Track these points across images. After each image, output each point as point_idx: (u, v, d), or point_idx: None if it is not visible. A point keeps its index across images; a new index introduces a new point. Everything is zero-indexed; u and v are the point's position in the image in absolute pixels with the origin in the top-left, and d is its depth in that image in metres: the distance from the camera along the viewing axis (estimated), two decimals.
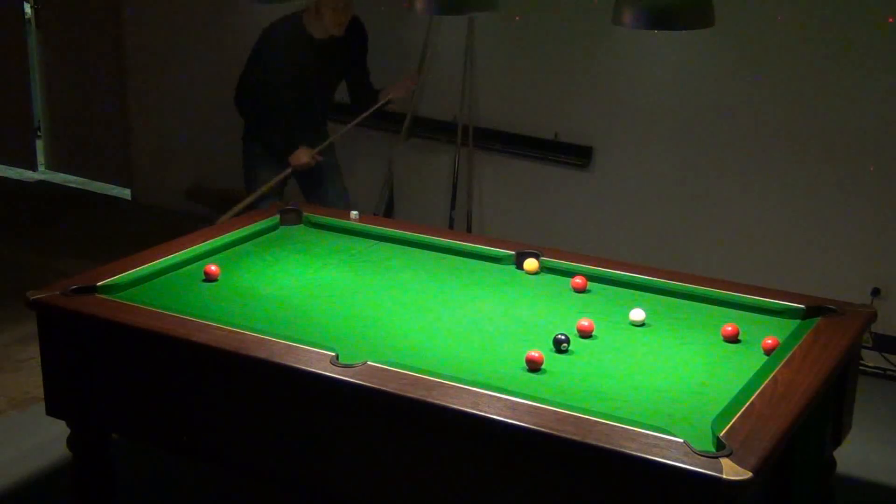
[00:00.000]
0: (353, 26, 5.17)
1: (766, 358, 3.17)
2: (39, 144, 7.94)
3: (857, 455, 4.00)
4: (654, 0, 3.36)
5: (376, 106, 5.34)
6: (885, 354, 5.00)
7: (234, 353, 3.09)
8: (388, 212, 6.09)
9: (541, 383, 3.01)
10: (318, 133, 5.38)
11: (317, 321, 3.42)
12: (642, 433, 2.65)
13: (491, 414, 2.75)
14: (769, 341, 3.24)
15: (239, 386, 3.17)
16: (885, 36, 4.81)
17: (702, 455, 2.55)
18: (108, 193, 7.54)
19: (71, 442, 3.55)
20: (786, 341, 3.25)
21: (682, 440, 2.61)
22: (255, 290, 3.67)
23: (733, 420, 2.72)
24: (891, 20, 4.80)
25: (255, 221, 4.23)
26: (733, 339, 3.33)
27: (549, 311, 3.56)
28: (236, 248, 4.03)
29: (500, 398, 2.82)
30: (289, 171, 5.21)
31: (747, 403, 2.81)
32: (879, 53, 4.83)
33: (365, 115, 5.36)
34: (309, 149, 5.19)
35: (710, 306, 3.59)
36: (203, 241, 3.97)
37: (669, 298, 3.65)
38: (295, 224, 4.31)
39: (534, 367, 3.09)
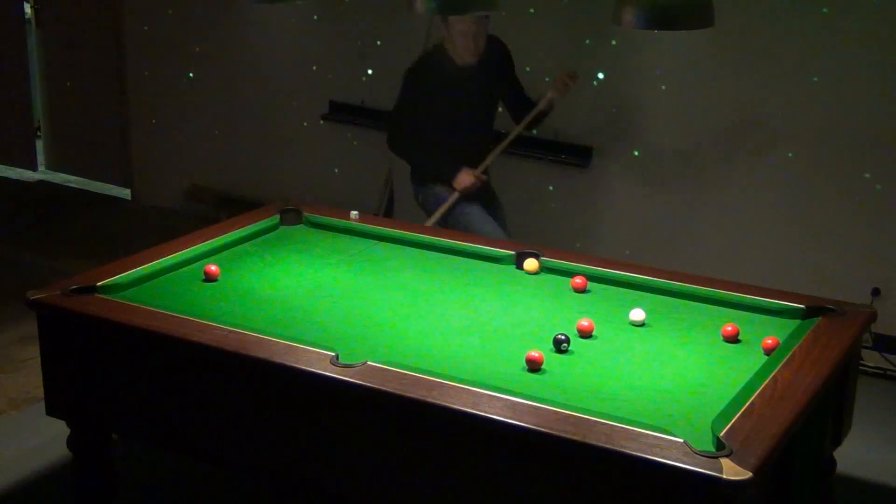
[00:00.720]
0: (492, 45, 4.99)
1: (766, 358, 3.17)
2: (39, 144, 7.94)
3: (857, 455, 4.00)
4: (654, 0, 3.36)
5: (534, 111, 5.04)
6: (885, 354, 5.00)
7: (234, 353, 3.09)
8: (388, 212, 6.09)
9: (541, 383, 3.01)
10: (484, 155, 5.13)
11: (317, 321, 3.42)
12: (642, 433, 2.65)
13: (491, 414, 2.75)
14: (769, 341, 3.24)
15: (239, 386, 3.17)
16: (886, 36, 4.81)
17: (702, 455, 2.55)
18: (108, 193, 7.54)
19: (71, 442, 3.55)
20: (786, 341, 3.25)
21: (682, 440, 2.61)
22: (255, 290, 3.67)
23: (733, 420, 2.72)
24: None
25: (255, 221, 4.23)
26: (733, 339, 3.33)
27: (549, 311, 3.56)
28: (236, 248, 4.03)
29: (500, 398, 2.82)
30: (455, 195, 4.97)
31: (747, 403, 2.81)
32: (879, 53, 4.83)
33: (523, 123, 5.09)
34: (471, 169, 4.98)
35: (710, 306, 3.59)
36: (203, 241, 3.97)
37: (669, 298, 3.65)
38: (295, 224, 4.30)
39: (534, 367, 3.09)
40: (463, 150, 5.02)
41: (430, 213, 5.08)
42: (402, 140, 5.08)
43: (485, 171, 5.03)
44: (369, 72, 6.18)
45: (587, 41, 5.46)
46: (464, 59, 4.88)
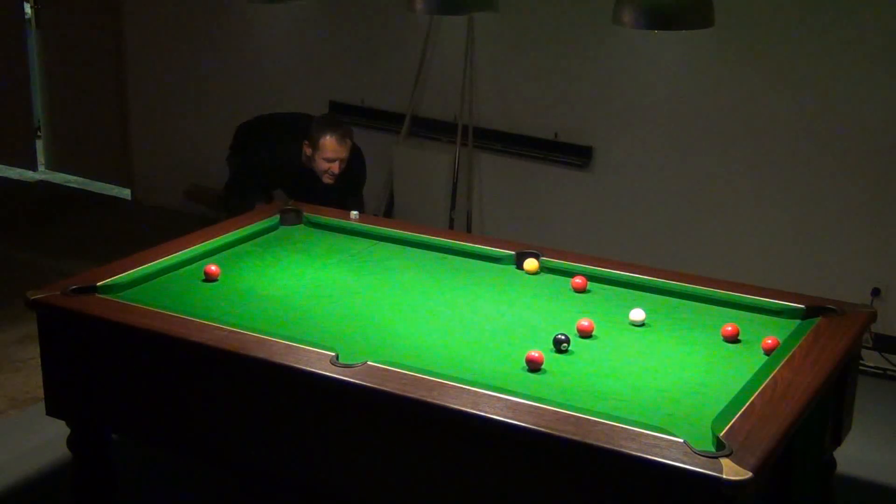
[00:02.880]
0: (352, 162, 5.03)
1: (766, 358, 3.17)
2: (39, 144, 7.94)
3: (857, 455, 4.00)
4: (654, 0, 3.36)
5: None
6: (885, 354, 5.00)
7: (234, 353, 3.09)
8: (388, 212, 6.09)
9: (541, 383, 3.01)
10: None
11: (317, 321, 3.42)
12: (642, 433, 2.65)
13: (491, 414, 2.75)
14: (769, 341, 3.25)
15: (239, 386, 3.17)
16: (885, 36, 4.81)
17: (702, 455, 2.55)
18: (108, 193, 7.54)
19: (71, 442, 3.55)
20: (786, 341, 3.25)
21: (682, 440, 2.61)
22: (255, 290, 3.67)
23: (733, 420, 2.72)
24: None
25: (255, 221, 4.23)
26: (733, 339, 3.33)
27: (549, 311, 3.56)
28: (236, 248, 4.03)
29: (500, 398, 2.82)
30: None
31: (747, 403, 2.81)
32: (879, 53, 4.83)
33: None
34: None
35: (710, 306, 3.59)
36: (203, 241, 3.97)
37: (669, 298, 3.65)
38: (295, 224, 4.31)
39: (534, 367, 3.09)
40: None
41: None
42: (233, 197, 5.12)
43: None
44: (369, 72, 6.18)
45: (587, 41, 5.46)
46: (315, 176, 4.92)
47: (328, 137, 4.84)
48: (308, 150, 4.91)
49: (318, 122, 4.97)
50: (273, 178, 5.16)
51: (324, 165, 4.87)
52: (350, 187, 5.13)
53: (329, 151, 4.85)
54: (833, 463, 3.47)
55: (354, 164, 5.09)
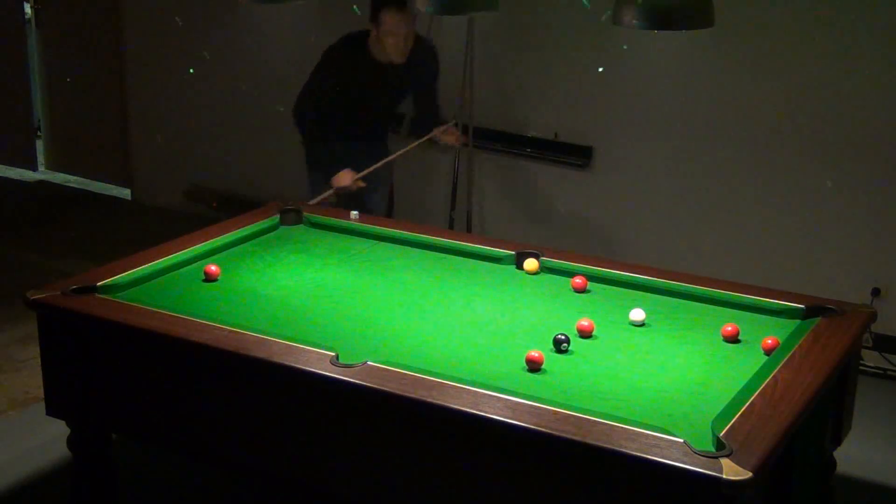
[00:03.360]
0: (423, 51, 5.00)
1: (766, 358, 3.17)
2: (39, 144, 7.94)
3: (857, 455, 4.00)
4: (654, 0, 3.36)
5: (425, 138, 5.20)
6: (885, 354, 5.00)
7: (234, 353, 3.09)
8: (388, 212, 6.09)
9: (541, 383, 3.01)
10: (373, 155, 5.17)
11: (317, 321, 3.42)
12: (642, 433, 2.65)
13: (491, 414, 2.75)
14: (769, 341, 3.24)
15: (239, 386, 3.17)
16: (885, 36, 4.81)
17: (702, 455, 2.55)
18: (108, 193, 7.54)
19: (71, 442, 3.55)
20: (786, 341, 3.25)
21: (682, 440, 2.61)
22: (255, 290, 3.67)
23: (733, 420, 2.72)
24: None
25: (255, 221, 4.23)
26: (733, 339, 3.33)
27: (549, 311, 3.56)
28: (236, 248, 4.03)
29: (500, 398, 2.82)
30: (330, 191, 5.00)
31: (747, 403, 2.81)
32: (879, 54, 4.83)
33: (414, 145, 5.23)
34: (353, 172, 4.99)
35: (710, 306, 3.59)
36: (203, 241, 3.97)
37: (669, 298, 3.65)
38: (295, 224, 4.31)
39: (534, 367, 3.09)
40: (356, 143, 5.06)
41: (310, 183, 5.18)
42: (300, 116, 5.07)
43: (363, 179, 5.02)
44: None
45: (587, 41, 5.46)
46: (386, 58, 4.87)
47: (387, 10, 4.75)
48: (374, 32, 4.86)
49: None
50: (337, 95, 4.98)
51: (389, 40, 4.80)
52: (420, 86, 5.11)
53: (389, 23, 4.77)
54: (833, 463, 3.47)
55: (424, 57, 5.03)
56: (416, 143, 5.25)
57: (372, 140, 5.22)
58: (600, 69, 5.46)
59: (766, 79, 5.09)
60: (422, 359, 3.11)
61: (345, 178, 4.97)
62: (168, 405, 3.32)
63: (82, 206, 7.31)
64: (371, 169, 5.06)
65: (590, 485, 2.69)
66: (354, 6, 5.62)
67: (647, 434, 2.64)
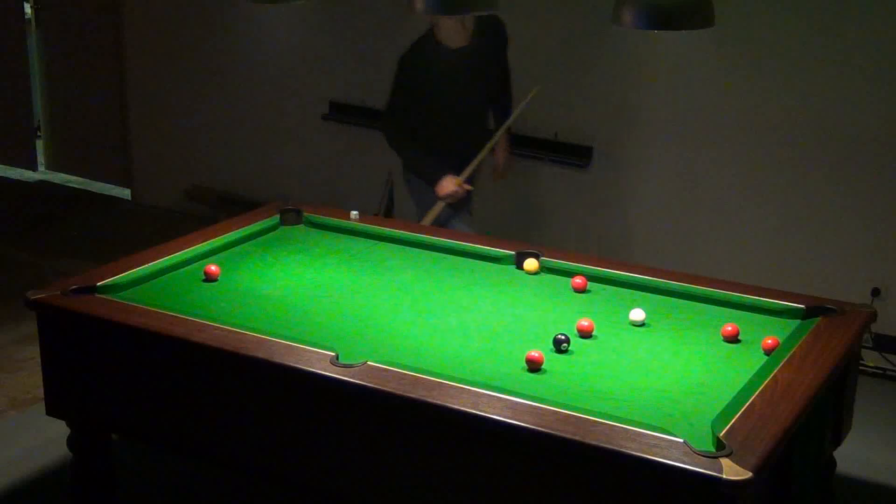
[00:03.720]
0: (488, 27, 4.75)
1: (766, 358, 3.17)
2: (39, 144, 7.94)
3: (857, 455, 4.00)
4: (654, 0, 3.36)
5: (514, 116, 4.94)
6: (885, 354, 5.00)
7: (234, 353, 3.09)
8: (388, 212, 6.09)
9: (541, 383, 3.01)
10: (470, 155, 4.85)
11: (317, 321, 3.42)
12: (642, 433, 2.65)
13: (491, 414, 2.75)
14: (769, 341, 3.25)
15: (239, 386, 3.17)
16: (886, 36, 4.81)
17: (702, 455, 2.55)
18: (108, 193, 7.54)
19: (71, 442, 3.55)
20: (786, 341, 3.25)
21: (682, 440, 2.61)
22: (255, 290, 3.67)
23: (733, 420, 2.72)
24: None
25: (255, 221, 4.23)
26: (733, 339, 3.33)
27: (549, 311, 3.56)
28: (236, 248, 4.03)
29: (500, 398, 2.82)
30: (440, 204, 4.76)
31: (747, 403, 2.81)
32: (879, 54, 4.83)
33: (503, 129, 4.92)
34: (455, 176, 4.74)
35: (710, 306, 3.59)
36: (203, 241, 3.97)
37: (669, 298, 3.65)
38: (295, 224, 4.30)
39: (534, 367, 3.09)
40: (454, 145, 4.83)
41: (415, 203, 4.98)
42: (392, 133, 4.90)
43: (469, 181, 4.81)
44: (369, 72, 6.18)
45: (587, 41, 5.46)
46: (454, 42, 4.67)
47: None
48: (437, 23, 4.66)
49: None
50: (421, 98, 4.77)
51: (447, 25, 4.59)
52: (494, 64, 4.85)
53: None
54: (833, 463, 3.47)
55: (486, 30, 4.75)
56: (502, 130, 4.91)
57: (465, 139, 4.89)
58: (599, 73, 5.47)
59: (766, 79, 5.09)
60: (422, 359, 3.11)
61: (449, 185, 4.73)
62: (168, 405, 3.32)
63: (82, 206, 7.31)
64: (471, 168, 4.80)
65: (590, 485, 2.69)
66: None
67: (647, 434, 2.64)
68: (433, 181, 4.75)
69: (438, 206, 4.76)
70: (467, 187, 4.77)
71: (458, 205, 4.83)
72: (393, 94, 4.85)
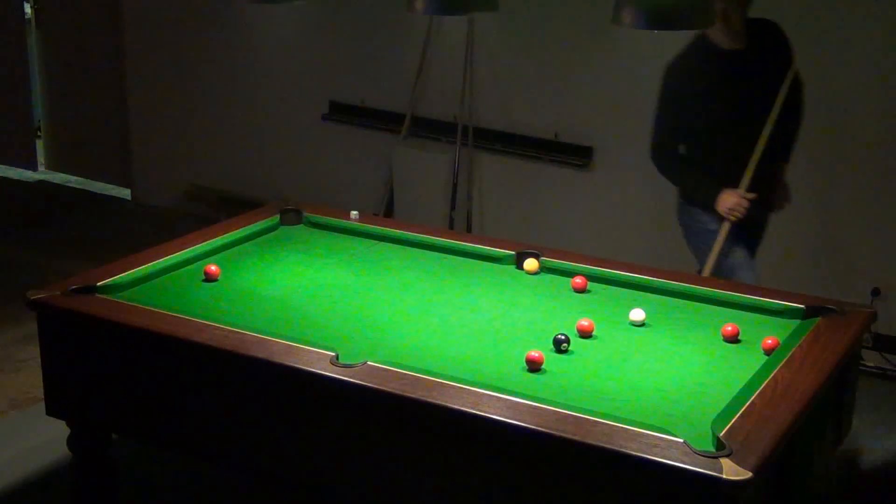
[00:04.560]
0: (763, 30, 4.26)
1: (766, 358, 3.17)
2: (39, 144, 7.94)
3: (857, 455, 4.00)
4: (654, 0, 3.36)
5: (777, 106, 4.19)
6: (885, 354, 5.00)
7: (234, 353, 3.09)
8: (388, 212, 6.10)
9: (541, 383, 3.01)
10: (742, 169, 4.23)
11: (317, 321, 3.42)
12: (642, 433, 2.65)
13: (491, 414, 2.75)
14: (769, 341, 3.25)
15: (239, 386, 3.17)
16: (885, 36, 4.81)
17: (702, 455, 2.55)
18: (108, 193, 7.54)
19: (71, 442, 3.55)
20: (786, 341, 3.25)
21: (682, 440, 2.61)
22: (255, 290, 3.67)
23: (733, 420, 2.72)
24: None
25: (255, 221, 4.23)
26: (733, 339, 3.33)
27: (549, 311, 3.56)
28: (236, 248, 4.03)
29: (500, 398, 2.82)
30: (726, 225, 4.21)
31: (747, 403, 2.81)
32: (878, 53, 4.83)
33: (770, 122, 4.18)
34: (733, 189, 4.18)
35: (710, 306, 3.59)
36: (203, 241, 3.97)
37: (669, 298, 3.65)
38: (295, 224, 4.30)
39: (534, 367, 3.09)
40: (731, 161, 4.22)
41: (693, 250, 4.43)
42: (666, 161, 4.37)
43: (748, 189, 4.20)
44: (369, 72, 6.18)
45: (587, 41, 5.46)
46: (729, 44, 4.14)
47: None
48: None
49: None
50: (697, 112, 4.25)
51: (724, 24, 4.09)
52: (774, 80, 4.20)
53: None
54: (833, 463, 3.47)
55: (766, 39, 4.24)
56: (773, 114, 4.16)
57: (744, 154, 4.20)
58: (599, 73, 5.47)
59: None
60: (422, 359, 3.11)
61: (730, 197, 4.17)
62: (168, 405, 3.32)
63: (82, 206, 7.31)
64: (748, 176, 4.17)
65: (590, 485, 2.69)
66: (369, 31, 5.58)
67: (647, 434, 2.64)
68: (712, 199, 4.21)
69: (724, 230, 4.22)
70: (750, 196, 4.18)
71: (741, 242, 4.29)
72: (660, 115, 4.35)
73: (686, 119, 4.26)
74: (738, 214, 4.18)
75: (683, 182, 4.39)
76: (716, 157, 4.26)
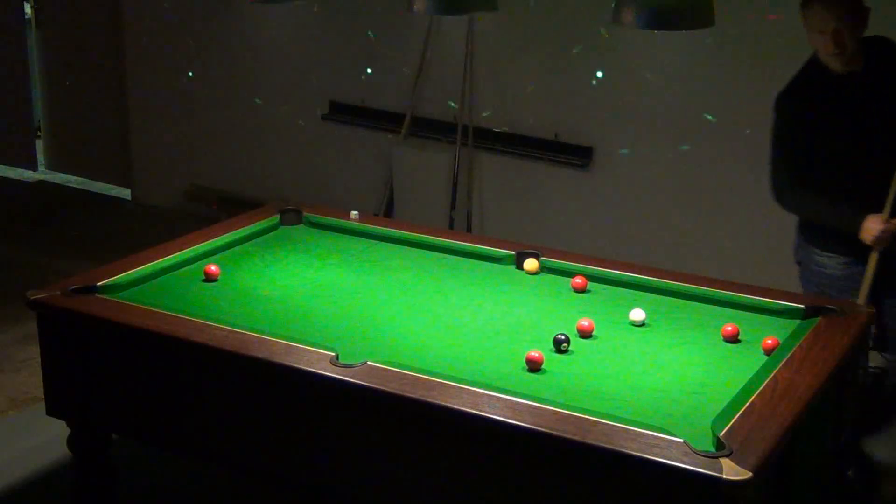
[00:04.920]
0: (878, 48, 3.95)
1: (766, 358, 3.17)
2: (39, 144, 7.94)
3: (856, 455, 4.00)
4: (654, 0, 3.36)
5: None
6: (885, 354, 4.99)
7: (234, 353, 3.09)
8: (388, 212, 6.10)
9: (541, 383, 3.01)
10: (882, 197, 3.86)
11: (317, 321, 3.42)
12: (642, 433, 2.65)
13: (491, 414, 2.75)
14: (769, 341, 3.25)
15: (239, 386, 3.17)
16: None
17: (702, 455, 2.55)
18: (108, 193, 7.54)
19: (71, 442, 3.55)
20: (786, 341, 3.25)
21: (682, 440, 2.61)
22: (255, 290, 3.67)
23: (733, 420, 2.72)
24: (772, 17, 4.77)
25: (255, 221, 4.23)
26: (733, 339, 3.33)
27: (549, 311, 3.56)
28: (236, 248, 4.03)
29: (500, 398, 2.82)
30: (873, 259, 3.85)
31: (747, 403, 2.81)
32: None
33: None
34: (875, 215, 3.80)
35: (710, 306, 3.59)
36: (203, 241, 3.97)
37: (669, 298, 3.65)
38: (295, 224, 4.30)
39: (534, 367, 3.09)
40: (864, 189, 3.87)
41: (802, 276, 4.20)
42: (790, 196, 4.01)
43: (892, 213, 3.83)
44: (369, 71, 6.18)
45: (587, 41, 5.46)
46: (843, 67, 3.83)
47: (807, 3, 3.78)
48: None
49: None
50: (815, 141, 3.90)
51: (818, 42, 3.79)
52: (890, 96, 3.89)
53: (811, 18, 3.78)
54: (833, 462, 3.46)
55: (883, 62, 3.94)
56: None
57: (876, 178, 3.87)
58: (599, 74, 5.46)
59: (766, 78, 5.08)
60: (422, 359, 3.11)
61: (875, 225, 3.79)
62: (168, 405, 3.32)
63: (82, 206, 7.31)
64: (890, 201, 3.81)
65: (590, 485, 2.69)
66: (369, 31, 5.56)
67: (647, 434, 2.64)
68: (855, 229, 3.84)
69: (873, 260, 3.85)
70: (894, 221, 3.82)
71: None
72: (777, 151, 4.01)
73: (807, 151, 3.92)
74: (884, 244, 3.82)
75: (820, 217, 4.00)
76: (846, 186, 3.91)
